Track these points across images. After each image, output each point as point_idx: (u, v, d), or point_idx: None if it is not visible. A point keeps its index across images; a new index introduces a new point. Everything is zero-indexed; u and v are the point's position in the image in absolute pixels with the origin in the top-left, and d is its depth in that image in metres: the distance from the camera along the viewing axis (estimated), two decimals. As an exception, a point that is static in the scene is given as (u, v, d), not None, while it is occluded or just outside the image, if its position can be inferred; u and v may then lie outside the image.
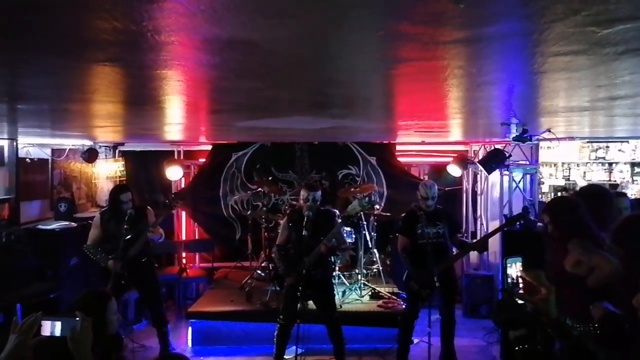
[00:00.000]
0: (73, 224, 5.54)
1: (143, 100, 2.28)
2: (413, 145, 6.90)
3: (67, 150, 5.98)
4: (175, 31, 1.00)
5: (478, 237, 6.56)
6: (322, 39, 1.11)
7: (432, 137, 5.83)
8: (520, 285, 1.95)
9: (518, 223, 4.25)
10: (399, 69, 1.48)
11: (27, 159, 5.49)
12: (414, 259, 4.28)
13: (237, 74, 1.47)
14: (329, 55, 1.27)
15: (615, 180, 6.62)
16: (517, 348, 1.68)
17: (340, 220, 4.23)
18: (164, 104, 2.33)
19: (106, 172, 6.72)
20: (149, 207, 4.77)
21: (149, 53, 1.21)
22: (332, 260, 5.26)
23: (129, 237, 4.31)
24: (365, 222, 5.85)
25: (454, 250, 4.70)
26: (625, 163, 6.63)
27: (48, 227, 5.32)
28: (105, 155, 6.75)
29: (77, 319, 1.98)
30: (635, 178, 6.67)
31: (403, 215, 4.59)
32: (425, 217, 4.30)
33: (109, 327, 2.57)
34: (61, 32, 1.11)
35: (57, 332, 1.96)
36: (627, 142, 6.47)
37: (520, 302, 1.64)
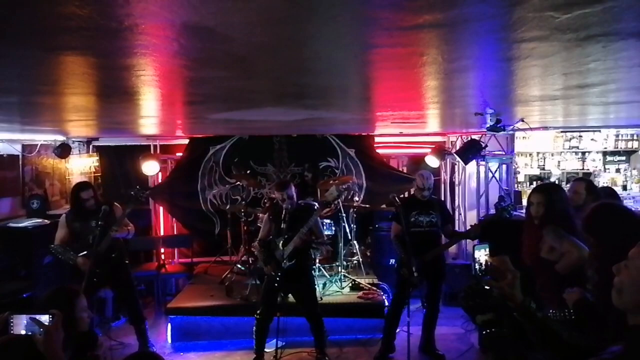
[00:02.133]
0: (46, 221, 5.41)
1: (111, 92, 2.22)
2: (391, 137, 6.93)
3: (38, 146, 5.81)
4: (126, 16, 0.96)
5: (457, 226, 6.65)
6: (281, 25, 1.09)
7: (410, 129, 5.85)
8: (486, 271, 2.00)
9: (508, 213, 4.29)
10: (365, 56, 1.46)
11: (-4, 155, 5.33)
12: (406, 247, 4.32)
13: (199, 62, 1.43)
14: (291, 42, 1.25)
15: (588, 169, 6.77)
16: (484, 332, 1.72)
17: (317, 208, 4.24)
18: (133, 95, 2.27)
19: (80, 167, 6.56)
20: (115, 202, 4.65)
21: (103, 40, 1.17)
22: (311, 252, 5.28)
23: (97, 232, 4.23)
24: (344, 214, 5.86)
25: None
26: (597, 152, 6.79)
27: (20, 225, 5.19)
28: (79, 151, 6.59)
29: (47, 315, 1.93)
30: (607, 166, 6.83)
31: (398, 203, 4.61)
32: (419, 205, 4.39)
33: (79, 324, 2.52)
34: (16, 18, 1.06)
35: (27, 329, 1.91)
36: (599, 131, 6.62)
37: (487, 287, 1.66)
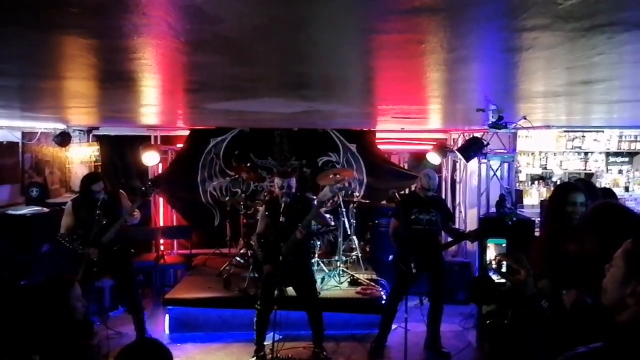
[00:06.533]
0: (45, 209, 5.39)
1: (107, 77, 2.20)
2: (393, 133, 6.90)
3: (38, 134, 5.80)
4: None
5: (457, 224, 6.62)
6: (272, 6, 1.05)
7: (411, 124, 5.82)
8: (494, 266, 2.00)
9: (510, 220, 4.21)
10: (361, 43, 1.43)
11: (-5, 142, 5.31)
12: (404, 243, 4.33)
13: (191, 45, 1.40)
14: (284, 25, 1.21)
15: (590, 170, 6.72)
16: (487, 322, 1.74)
17: (316, 206, 4.22)
18: (128, 81, 2.25)
19: (80, 156, 6.55)
20: (121, 191, 4.67)
21: (93, 19, 1.14)
22: (312, 244, 5.27)
23: (104, 222, 4.23)
24: (344, 209, 5.84)
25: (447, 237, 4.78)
26: (600, 152, 6.73)
27: (18, 212, 5.17)
28: (79, 140, 6.58)
29: None
30: (609, 167, 6.78)
31: (398, 200, 4.60)
32: (420, 203, 4.39)
33: (73, 313, 2.51)
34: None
35: None
36: (602, 131, 6.56)
37: (497, 279, 1.69)
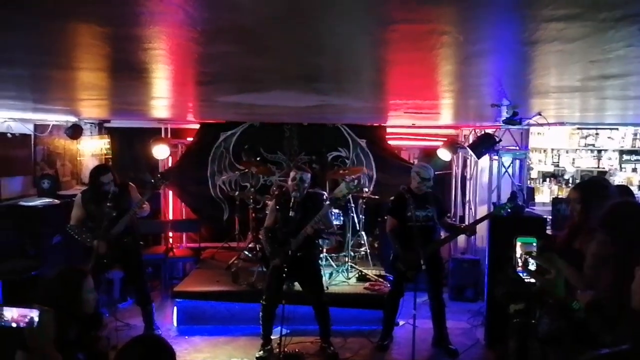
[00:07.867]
0: (56, 200, 5.43)
1: (119, 67, 2.19)
2: (403, 129, 6.85)
3: (50, 126, 5.83)
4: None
5: (467, 222, 6.57)
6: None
7: (423, 120, 5.76)
8: (520, 264, 1.98)
9: (505, 211, 4.22)
10: (381, 33, 1.39)
11: (8, 134, 5.35)
12: (402, 241, 4.29)
13: (207, 34, 1.38)
14: (302, 14, 1.18)
15: (603, 168, 6.62)
16: (514, 320, 1.73)
17: (328, 203, 4.19)
18: (141, 73, 2.23)
19: (91, 149, 6.59)
20: (131, 183, 4.68)
21: (107, 6, 1.12)
22: (319, 242, 5.25)
23: (113, 214, 4.25)
24: (353, 205, 5.82)
25: (442, 232, 4.71)
26: (614, 150, 6.63)
27: (30, 204, 5.21)
28: (91, 132, 6.61)
29: (36, 311, 1.90)
30: (623, 165, 6.68)
31: (393, 197, 4.59)
32: (415, 200, 4.32)
33: (84, 305, 2.52)
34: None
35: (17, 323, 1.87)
36: (617, 129, 6.46)
37: (524, 278, 1.67)
